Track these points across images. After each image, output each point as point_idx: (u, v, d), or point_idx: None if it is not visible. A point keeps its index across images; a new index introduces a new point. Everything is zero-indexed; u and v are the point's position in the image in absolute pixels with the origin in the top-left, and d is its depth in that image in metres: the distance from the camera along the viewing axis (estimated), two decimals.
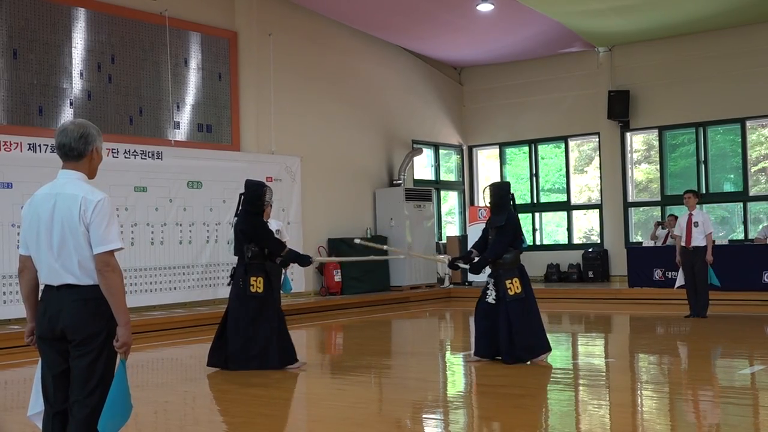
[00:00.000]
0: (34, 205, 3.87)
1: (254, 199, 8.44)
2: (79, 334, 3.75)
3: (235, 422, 6.15)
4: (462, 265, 8.86)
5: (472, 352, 8.61)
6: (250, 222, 8.40)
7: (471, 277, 17.37)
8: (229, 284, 8.56)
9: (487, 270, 8.65)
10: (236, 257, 8.57)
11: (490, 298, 8.36)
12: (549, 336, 10.60)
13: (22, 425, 6.13)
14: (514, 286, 8.23)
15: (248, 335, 8.21)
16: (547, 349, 8.40)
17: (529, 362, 8.26)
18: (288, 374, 8.12)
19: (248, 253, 8.33)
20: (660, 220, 17.39)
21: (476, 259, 8.60)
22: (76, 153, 3.87)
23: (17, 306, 11.23)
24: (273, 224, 12.72)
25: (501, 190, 8.67)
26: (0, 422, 6.34)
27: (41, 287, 3.91)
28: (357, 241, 10.33)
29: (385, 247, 10.66)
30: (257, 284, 8.26)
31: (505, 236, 8.40)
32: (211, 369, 8.39)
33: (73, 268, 3.76)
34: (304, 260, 8.76)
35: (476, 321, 8.55)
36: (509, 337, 8.16)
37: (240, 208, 8.55)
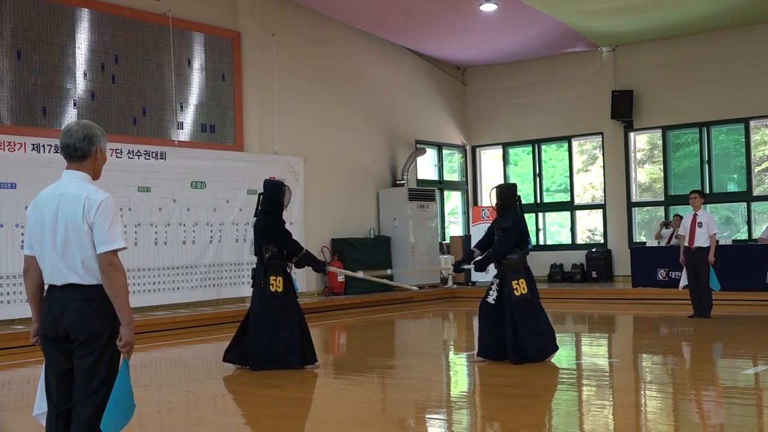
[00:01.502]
0: (38, 205, 3.88)
1: (273, 199, 8.45)
2: (82, 333, 3.76)
3: (238, 422, 6.15)
4: (466, 267, 8.89)
5: (476, 352, 8.63)
6: (269, 222, 8.41)
7: (474, 276, 17.37)
8: (252, 285, 8.58)
9: (492, 270, 8.65)
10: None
11: (491, 298, 8.38)
12: None
13: (26, 425, 6.13)
14: (520, 287, 8.25)
15: (271, 335, 8.22)
16: (554, 349, 8.41)
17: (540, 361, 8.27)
18: (291, 374, 8.12)
19: (267, 253, 8.35)
20: (665, 220, 17.38)
21: (478, 257, 8.61)
22: (80, 153, 3.88)
23: (21, 306, 11.25)
24: None
25: (508, 192, 8.68)
26: (1, 422, 6.35)
27: (46, 287, 3.92)
28: (360, 274, 10.22)
29: (392, 282, 10.72)
30: (277, 284, 8.28)
31: (511, 237, 8.42)
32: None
33: (77, 267, 3.76)
34: (318, 266, 8.77)
35: (480, 321, 8.58)
36: (515, 338, 8.17)
37: (259, 208, 8.56)
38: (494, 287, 8.41)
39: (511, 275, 8.31)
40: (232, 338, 8.54)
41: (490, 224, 8.95)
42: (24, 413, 6.65)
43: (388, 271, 10.63)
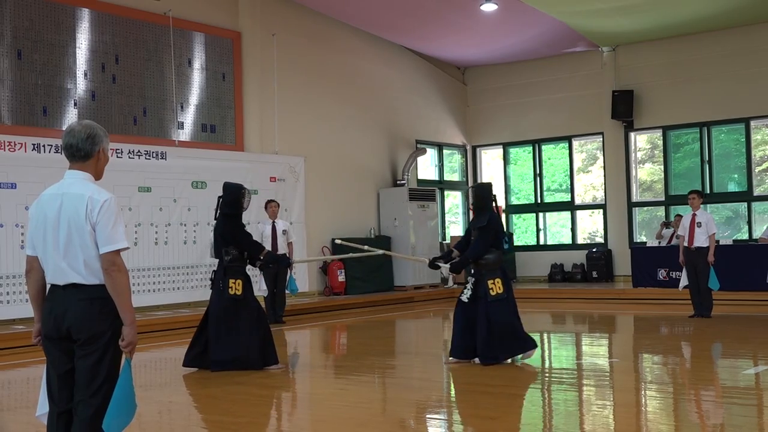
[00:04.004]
0: (41, 205, 3.88)
1: (232, 202, 8.46)
2: (84, 333, 3.76)
3: (239, 422, 6.15)
4: (442, 265, 8.84)
5: (449, 354, 8.59)
6: (229, 225, 8.43)
7: None
8: (211, 287, 8.58)
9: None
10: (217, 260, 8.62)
11: (465, 296, 8.37)
12: (552, 336, 10.61)
13: (26, 425, 6.14)
14: (496, 287, 8.24)
15: (229, 337, 8.23)
16: (533, 345, 8.41)
17: (510, 361, 8.24)
18: (291, 375, 8.12)
19: (227, 256, 8.37)
20: (666, 220, 17.38)
21: (456, 258, 8.61)
22: (83, 153, 3.89)
23: (21, 306, 11.26)
24: (279, 224, 12.78)
25: (483, 192, 8.67)
26: (1, 422, 6.35)
27: (48, 287, 3.92)
28: (338, 241, 10.33)
29: (365, 247, 10.57)
30: (236, 286, 8.30)
31: (486, 236, 8.40)
32: (197, 368, 8.41)
33: (79, 267, 3.77)
34: (282, 261, 8.81)
35: (454, 321, 8.54)
36: (487, 337, 8.16)
37: (218, 211, 8.56)
38: (469, 286, 8.41)
39: (487, 275, 8.29)
40: (190, 341, 8.55)
41: (467, 225, 8.93)
42: (24, 413, 6.66)
43: (365, 247, 10.47)
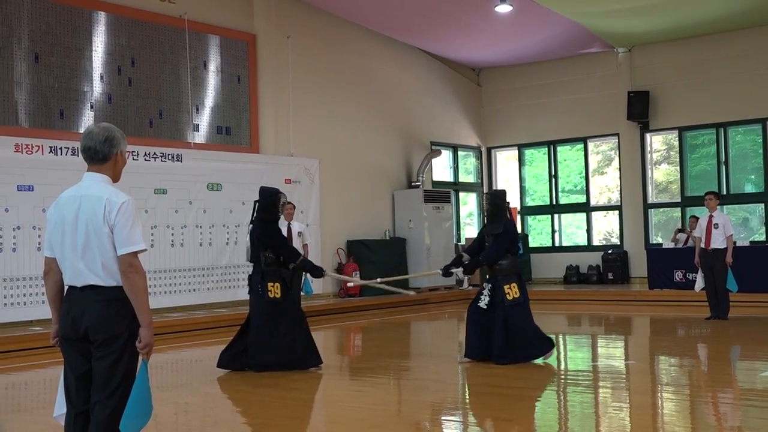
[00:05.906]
0: (59, 207, 3.91)
1: (269, 206, 8.51)
2: (101, 334, 3.78)
3: (254, 423, 6.17)
4: (455, 270, 8.95)
5: (463, 353, 8.67)
6: (266, 230, 8.46)
7: None
8: (249, 292, 8.61)
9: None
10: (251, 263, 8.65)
11: (483, 303, 8.49)
12: (568, 338, 10.60)
13: (43, 425, 6.18)
14: (512, 291, 8.36)
15: (271, 340, 8.26)
16: (551, 345, 8.50)
17: (542, 361, 8.32)
18: (307, 376, 8.14)
19: (264, 260, 8.40)
20: (680, 227, 17.27)
21: (467, 261, 8.69)
22: (101, 156, 3.92)
23: (39, 307, 11.33)
24: (295, 226, 12.80)
25: (497, 198, 8.80)
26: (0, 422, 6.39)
27: (66, 289, 3.94)
28: (378, 280, 9.91)
29: (401, 290, 10.33)
30: (275, 290, 8.32)
31: (502, 243, 8.54)
32: (230, 370, 8.43)
33: (97, 269, 3.79)
34: (317, 272, 8.80)
35: (468, 324, 8.66)
36: (505, 340, 8.27)
37: (255, 215, 8.61)
38: (486, 292, 8.54)
39: (503, 280, 8.42)
40: (229, 342, 8.59)
41: (479, 230, 9.05)
42: (41, 414, 6.70)
43: (378, 280, 10.12)
